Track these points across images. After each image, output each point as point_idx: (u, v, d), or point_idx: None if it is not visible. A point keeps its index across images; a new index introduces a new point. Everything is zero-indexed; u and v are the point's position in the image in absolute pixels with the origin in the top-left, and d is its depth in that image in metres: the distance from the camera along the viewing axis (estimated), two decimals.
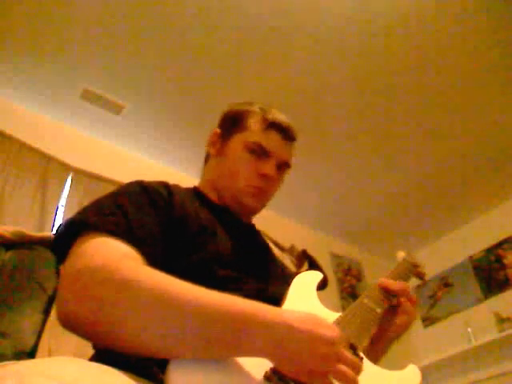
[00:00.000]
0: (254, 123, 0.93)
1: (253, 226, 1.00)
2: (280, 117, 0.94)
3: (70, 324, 0.57)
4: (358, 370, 0.58)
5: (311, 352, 0.55)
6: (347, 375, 0.56)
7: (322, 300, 0.78)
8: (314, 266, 0.90)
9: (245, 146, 0.91)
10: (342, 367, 0.56)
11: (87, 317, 0.55)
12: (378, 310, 0.79)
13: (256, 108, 0.96)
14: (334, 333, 0.57)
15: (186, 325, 0.54)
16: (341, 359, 0.57)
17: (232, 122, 0.97)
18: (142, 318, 0.54)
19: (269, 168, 0.90)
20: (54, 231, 0.70)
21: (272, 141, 0.92)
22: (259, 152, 0.91)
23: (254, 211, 0.95)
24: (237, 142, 0.93)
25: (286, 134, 0.94)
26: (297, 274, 0.85)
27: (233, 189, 0.91)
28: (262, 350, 0.55)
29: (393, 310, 0.84)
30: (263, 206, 0.95)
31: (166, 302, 0.54)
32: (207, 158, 1.02)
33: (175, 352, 0.53)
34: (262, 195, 0.92)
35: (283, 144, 0.93)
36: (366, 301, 0.80)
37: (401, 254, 1.00)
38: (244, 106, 0.99)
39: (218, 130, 0.99)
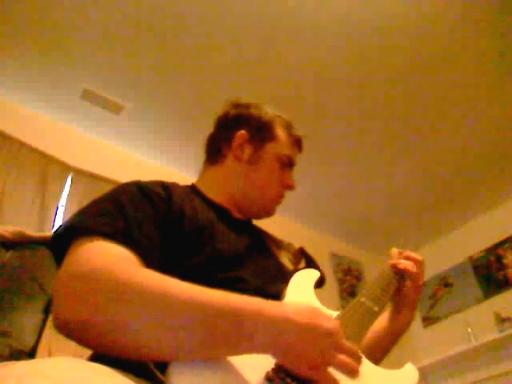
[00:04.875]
0: (282, 134, 0.99)
1: (251, 223, 1.01)
2: (298, 132, 1.03)
3: (68, 330, 0.56)
4: (358, 358, 0.59)
5: (311, 343, 0.55)
6: (348, 364, 0.57)
7: (321, 300, 0.79)
8: (310, 263, 0.91)
9: (278, 157, 0.97)
10: (343, 357, 0.57)
11: (85, 323, 0.54)
12: (376, 309, 0.79)
13: (277, 115, 1.02)
14: (332, 323, 0.58)
15: (187, 324, 0.53)
16: (341, 349, 0.57)
17: (260, 129, 0.98)
18: (142, 321, 0.53)
19: (292, 180, 1.00)
20: (52, 233, 0.70)
21: (295, 154, 1.01)
22: (287, 164, 0.98)
23: (269, 217, 1.01)
24: (270, 152, 0.97)
25: (301, 148, 1.04)
26: (294, 271, 0.85)
27: (264, 199, 0.97)
28: (263, 345, 0.55)
29: (403, 286, 0.91)
30: None
31: (165, 302, 0.54)
32: (222, 157, 0.98)
33: (177, 354, 0.53)
34: (280, 203, 1.01)
35: (297, 156, 1.03)
36: (363, 299, 0.80)
37: (394, 251, 0.99)
38: (262, 110, 1.02)
39: (245, 133, 0.97)
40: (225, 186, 0.96)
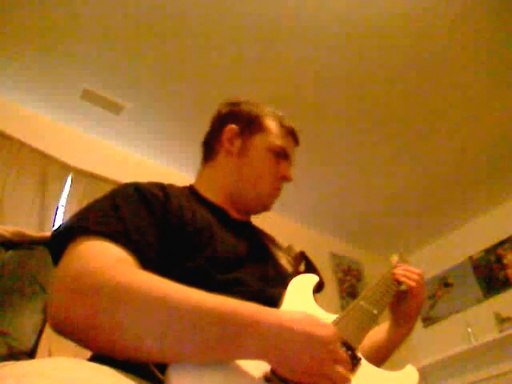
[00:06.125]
0: (273, 126, 0.98)
1: (250, 223, 1.00)
2: (292, 123, 1.01)
3: (64, 330, 0.56)
4: (349, 368, 0.60)
5: (307, 353, 0.55)
6: (342, 375, 0.57)
7: (322, 300, 0.79)
8: (310, 267, 0.91)
9: (270, 148, 0.95)
10: (338, 367, 0.57)
11: (82, 323, 0.54)
12: (375, 312, 0.79)
13: (267, 109, 1.01)
14: (329, 332, 0.58)
15: (183, 328, 0.53)
16: (336, 359, 0.57)
17: (250, 121, 0.97)
18: (138, 323, 0.53)
19: (287, 171, 0.97)
20: (51, 233, 0.70)
21: (290, 146, 0.99)
22: (281, 155, 0.96)
23: (269, 209, 0.99)
24: (260, 143, 0.95)
25: (297, 140, 1.02)
26: (294, 275, 0.85)
27: (259, 189, 0.94)
28: (259, 352, 0.55)
29: (404, 294, 0.91)
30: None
31: (162, 305, 0.54)
32: (214, 154, 0.99)
33: (173, 356, 0.53)
34: (279, 194, 0.98)
35: (294, 149, 1.02)
36: (362, 302, 0.80)
37: (394, 258, 1.00)
38: (254, 105, 1.01)
39: (235, 127, 0.97)
40: (220, 183, 0.95)
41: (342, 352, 0.60)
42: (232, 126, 0.97)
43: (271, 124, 0.97)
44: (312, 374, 0.55)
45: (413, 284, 0.90)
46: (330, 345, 0.57)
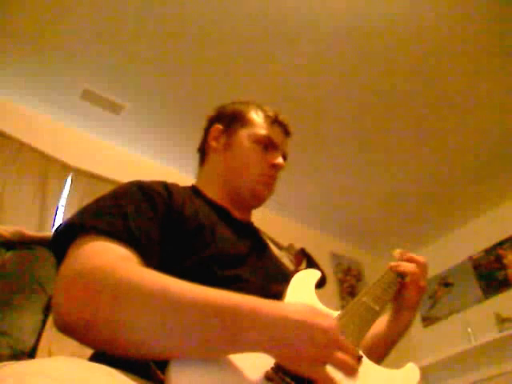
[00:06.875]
0: (257, 118, 0.99)
1: (251, 224, 1.01)
2: (278, 113, 1.02)
3: (68, 328, 0.56)
4: (355, 356, 0.59)
5: (308, 341, 0.55)
6: (346, 362, 0.57)
7: (322, 300, 0.79)
8: (312, 264, 0.91)
9: (254, 138, 0.97)
10: (342, 354, 0.57)
11: (85, 320, 0.54)
12: (377, 308, 0.79)
13: (253, 105, 1.03)
14: (330, 321, 0.58)
15: (185, 323, 0.54)
16: (338, 346, 0.57)
17: (233, 118, 1.01)
18: (142, 319, 0.54)
19: (276, 158, 0.97)
20: (53, 231, 0.70)
21: (277, 135, 0.99)
22: (268, 144, 0.97)
23: (264, 200, 0.99)
24: (244, 136, 0.97)
25: (286, 129, 1.02)
26: (295, 272, 0.85)
27: (247, 179, 0.95)
28: (261, 343, 0.55)
29: (404, 286, 0.89)
30: (270, 194, 1.00)
31: (165, 301, 0.54)
32: (206, 155, 1.03)
33: (175, 352, 0.53)
34: (273, 184, 0.99)
35: (284, 138, 1.02)
36: (364, 299, 0.80)
37: (397, 252, 0.99)
38: (240, 103, 1.04)
39: (220, 126, 1.01)
40: (215, 182, 0.97)
41: (345, 340, 0.60)
42: (216, 125, 1.01)
43: (255, 117, 1.00)
44: (316, 363, 0.56)
45: (412, 270, 0.88)
46: (332, 333, 0.57)
